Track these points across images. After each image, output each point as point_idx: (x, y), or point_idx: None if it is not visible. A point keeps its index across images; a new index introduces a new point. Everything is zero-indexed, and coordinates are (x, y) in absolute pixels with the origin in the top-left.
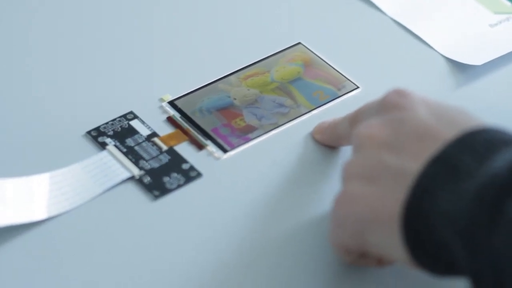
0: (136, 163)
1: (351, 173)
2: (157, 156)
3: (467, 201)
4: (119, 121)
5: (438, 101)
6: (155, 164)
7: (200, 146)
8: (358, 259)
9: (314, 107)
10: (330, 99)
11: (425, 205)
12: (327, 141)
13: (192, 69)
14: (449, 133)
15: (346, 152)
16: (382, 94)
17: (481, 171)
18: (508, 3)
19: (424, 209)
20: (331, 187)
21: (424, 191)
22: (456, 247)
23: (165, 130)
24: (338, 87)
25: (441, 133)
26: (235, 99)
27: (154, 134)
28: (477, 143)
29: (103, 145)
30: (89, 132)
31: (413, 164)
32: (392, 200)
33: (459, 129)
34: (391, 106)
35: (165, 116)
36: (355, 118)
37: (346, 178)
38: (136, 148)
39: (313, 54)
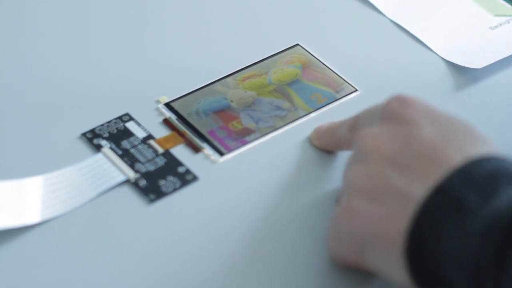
0: (131, 166)
1: (355, 186)
2: (153, 159)
3: (473, 244)
4: (115, 123)
5: (441, 112)
6: (150, 167)
7: (196, 149)
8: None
9: (312, 110)
10: (328, 102)
11: (429, 239)
12: (325, 147)
13: (189, 71)
14: (455, 157)
15: (344, 156)
16: (383, 101)
17: (486, 210)
18: (509, 5)
19: (429, 244)
20: (329, 190)
21: (428, 224)
22: (463, 286)
23: (161, 132)
24: (336, 89)
25: (447, 156)
26: (232, 101)
27: (150, 137)
28: (480, 177)
29: (98, 147)
30: (84, 134)
31: (417, 188)
32: (395, 224)
33: (465, 152)
34: (394, 116)
35: (161, 118)
36: (355, 125)
37: (349, 190)
38: (132, 150)
39: (311, 56)
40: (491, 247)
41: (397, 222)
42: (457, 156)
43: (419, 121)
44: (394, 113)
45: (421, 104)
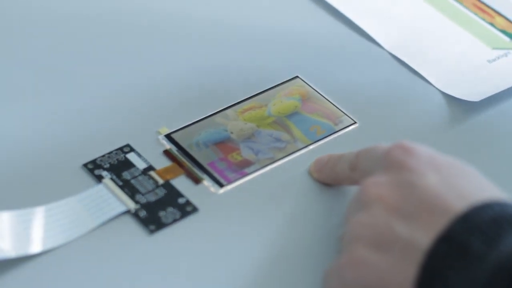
0: (132, 196)
1: (359, 235)
2: (153, 190)
3: None
4: (116, 154)
5: (443, 159)
6: (151, 198)
7: (196, 180)
8: None
9: (311, 142)
10: (327, 134)
11: (437, 287)
12: (325, 180)
13: (189, 102)
14: (458, 204)
15: (343, 188)
16: (386, 146)
17: (491, 256)
18: (507, 39)
19: None
20: (328, 223)
21: (435, 272)
22: None
23: (161, 163)
24: (335, 122)
25: (450, 203)
26: (232, 132)
27: (150, 168)
28: (484, 223)
29: (99, 178)
30: (85, 165)
31: (423, 237)
32: (402, 273)
33: (467, 199)
34: (397, 164)
35: (161, 149)
36: (356, 165)
37: (353, 239)
38: (132, 181)
39: (311, 88)
40: None
41: (404, 271)
42: (460, 203)
43: (421, 169)
44: (396, 161)
45: (423, 152)
